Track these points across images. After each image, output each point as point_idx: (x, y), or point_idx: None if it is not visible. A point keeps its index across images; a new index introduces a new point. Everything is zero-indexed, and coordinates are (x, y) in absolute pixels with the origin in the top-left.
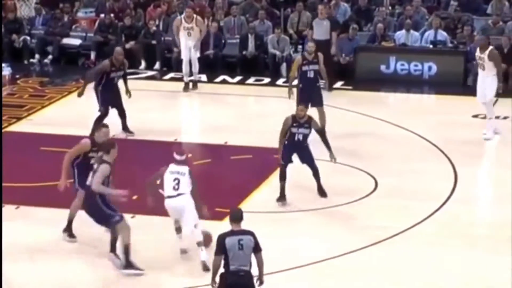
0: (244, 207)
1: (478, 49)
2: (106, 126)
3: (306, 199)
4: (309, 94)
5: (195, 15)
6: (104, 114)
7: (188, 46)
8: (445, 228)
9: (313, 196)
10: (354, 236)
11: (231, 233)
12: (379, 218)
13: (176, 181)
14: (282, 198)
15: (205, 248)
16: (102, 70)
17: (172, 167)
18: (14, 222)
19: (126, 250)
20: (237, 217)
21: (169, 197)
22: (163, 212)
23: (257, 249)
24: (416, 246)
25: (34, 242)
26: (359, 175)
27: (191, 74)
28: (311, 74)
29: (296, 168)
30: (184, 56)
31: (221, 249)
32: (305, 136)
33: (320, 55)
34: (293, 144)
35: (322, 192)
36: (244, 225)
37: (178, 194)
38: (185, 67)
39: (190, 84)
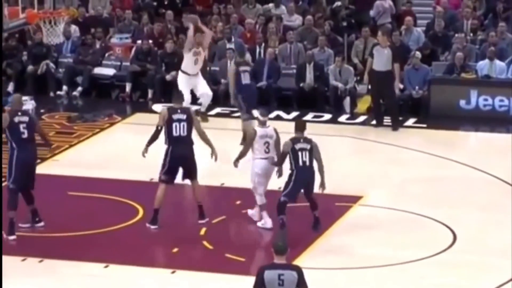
0: (303, 262)
1: None
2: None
3: (374, 253)
4: None
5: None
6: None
7: (191, 81)
8: None
9: (382, 251)
10: None
11: (272, 266)
12: (457, 277)
13: (267, 144)
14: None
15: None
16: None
17: (260, 130)
18: (37, 278)
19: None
20: (280, 248)
21: (261, 158)
22: (207, 268)
23: (301, 286)
24: None
25: None
26: (434, 226)
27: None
28: None
29: (362, 218)
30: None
31: (260, 283)
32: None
33: None
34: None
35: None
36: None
37: (268, 158)
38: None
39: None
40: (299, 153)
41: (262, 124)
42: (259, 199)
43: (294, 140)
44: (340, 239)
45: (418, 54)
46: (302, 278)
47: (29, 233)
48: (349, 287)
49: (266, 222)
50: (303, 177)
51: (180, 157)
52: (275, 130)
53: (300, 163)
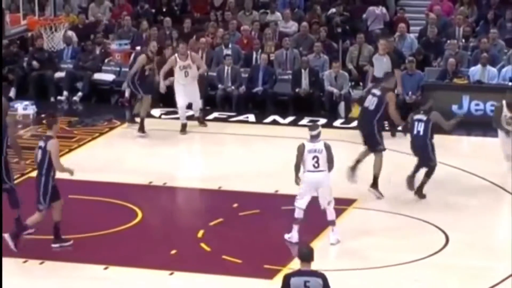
0: (296, 265)
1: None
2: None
3: (368, 255)
4: None
5: (189, 52)
6: None
7: (186, 91)
8: None
9: (375, 252)
10: None
11: (298, 273)
12: (449, 278)
13: (315, 159)
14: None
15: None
16: None
17: (308, 145)
18: (38, 279)
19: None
20: (305, 256)
21: (309, 171)
22: (204, 269)
23: None
24: None
25: None
26: (427, 229)
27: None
28: None
29: (356, 220)
30: (182, 102)
31: None
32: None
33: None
34: None
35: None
36: None
37: (318, 171)
38: (181, 111)
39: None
40: (415, 123)
41: (312, 138)
42: (297, 211)
43: (414, 112)
44: (340, 239)
45: (412, 59)
46: (327, 285)
47: (30, 236)
48: (347, 287)
49: (293, 236)
50: (414, 144)
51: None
52: (326, 146)
53: (415, 132)
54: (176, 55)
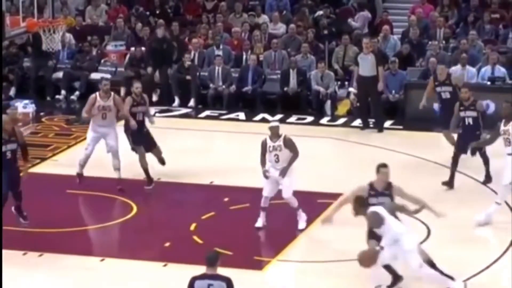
0: (284, 256)
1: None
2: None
3: (353, 247)
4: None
5: (112, 93)
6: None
7: (99, 134)
8: (503, 281)
9: (360, 244)
10: None
11: (202, 276)
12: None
13: (276, 156)
14: (450, 184)
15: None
16: None
17: (269, 142)
18: (38, 270)
19: None
20: (211, 259)
21: (271, 167)
22: (197, 261)
23: None
24: None
25: None
26: (409, 222)
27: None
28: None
29: (342, 213)
30: (89, 149)
31: None
32: (475, 120)
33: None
34: (465, 130)
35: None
36: (283, 275)
37: (277, 168)
38: (83, 159)
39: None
40: (465, 119)
41: (271, 137)
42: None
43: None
44: (321, 233)
45: (395, 59)
46: None
47: (30, 229)
48: (327, 279)
49: (258, 220)
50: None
51: None
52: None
53: (466, 123)
54: (97, 93)
